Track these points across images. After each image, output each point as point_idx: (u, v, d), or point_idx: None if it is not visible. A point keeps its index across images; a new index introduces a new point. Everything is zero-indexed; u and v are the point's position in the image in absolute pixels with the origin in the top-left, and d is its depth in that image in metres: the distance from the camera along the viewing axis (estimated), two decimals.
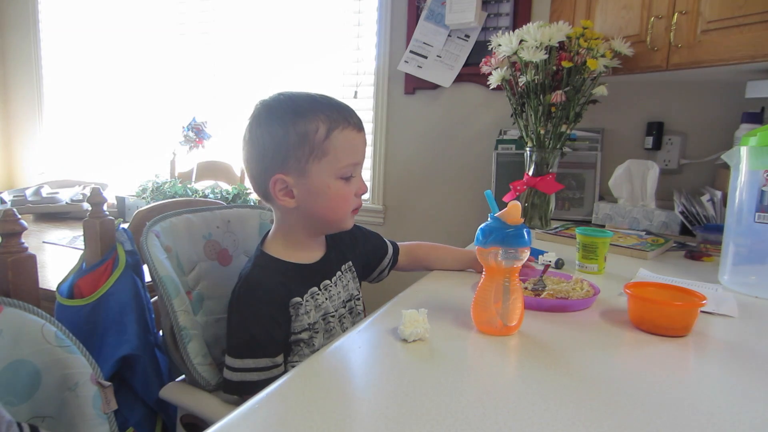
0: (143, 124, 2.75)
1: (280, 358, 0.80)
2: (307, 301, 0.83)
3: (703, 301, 0.72)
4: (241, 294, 0.80)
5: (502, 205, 0.72)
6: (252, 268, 0.83)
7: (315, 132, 0.78)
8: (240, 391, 0.79)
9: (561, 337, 0.69)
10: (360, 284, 0.98)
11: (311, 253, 0.88)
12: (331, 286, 0.88)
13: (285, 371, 0.83)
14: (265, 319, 0.79)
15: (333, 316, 0.86)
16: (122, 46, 2.75)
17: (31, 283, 0.90)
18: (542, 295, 0.81)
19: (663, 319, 0.71)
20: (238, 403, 0.51)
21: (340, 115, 0.80)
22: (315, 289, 0.85)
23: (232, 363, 0.78)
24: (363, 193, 0.86)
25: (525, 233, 0.67)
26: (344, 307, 0.90)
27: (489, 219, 0.70)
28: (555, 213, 1.51)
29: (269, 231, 0.89)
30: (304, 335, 0.82)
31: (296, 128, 0.78)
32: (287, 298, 0.81)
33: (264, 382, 0.77)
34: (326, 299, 0.86)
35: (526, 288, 0.84)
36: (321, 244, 0.91)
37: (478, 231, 0.70)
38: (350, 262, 0.95)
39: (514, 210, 0.68)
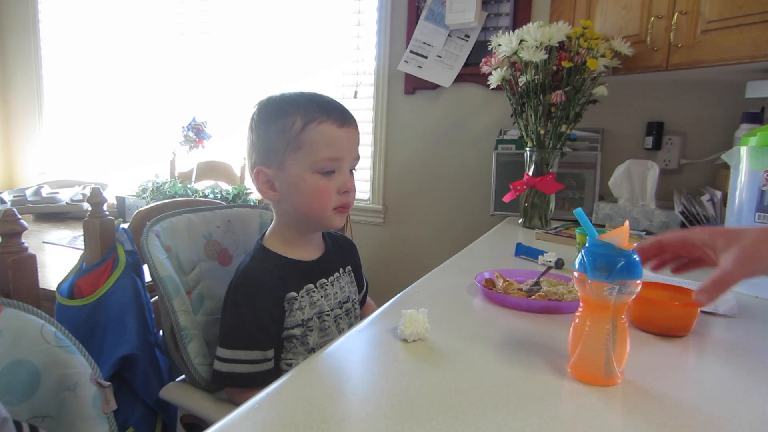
0: (143, 124, 2.75)
1: (270, 353, 0.80)
2: (302, 297, 0.83)
3: None
4: (237, 286, 0.81)
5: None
6: (250, 262, 0.84)
7: (291, 125, 0.80)
8: (227, 382, 0.79)
9: (559, 337, 0.69)
10: (364, 285, 0.99)
11: (308, 251, 0.89)
12: (327, 285, 0.88)
13: (279, 369, 0.83)
14: (260, 312, 0.79)
15: (328, 315, 0.86)
16: (122, 46, 2.75)
17: (31, 283, 0.90)
18: (533, 297, 0.81)
19: (663, 319, 0.71)
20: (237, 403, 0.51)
21: (318, 109, 0.80)
22: (311, 285, 0.85)
23: (223, 354, 0.79)
24: (347, 191, 0.83)
25: (638, 260, 0.54)
26: (341, 308, 0.90)
27: (590, 243, 0.56)
28: (555, 213, 1.51)
29: (270, 226, 0.90)
30: (297, 331, 0.82)
31: (276, 123, 0.81)
32: (283, 293, 0.82)
33: (252, 376, 0.78)
34: (321, 297, 0.86)
35: (520, 289, 0.84)
36: (318, 244, 0.92)
37: (584, 257, 0.55)
38: (350, 267, 0.96)
39: (626, 233, 0.54)
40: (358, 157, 0.86)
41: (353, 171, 0.86)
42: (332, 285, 0.89)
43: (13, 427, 0.54)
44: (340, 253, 0.94)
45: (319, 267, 0.88)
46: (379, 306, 0.80)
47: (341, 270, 0.93)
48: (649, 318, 0.72)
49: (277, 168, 0.82)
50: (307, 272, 0.86)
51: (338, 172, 0.82)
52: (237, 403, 0.83)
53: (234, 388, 0.81)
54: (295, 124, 0.79)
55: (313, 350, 0.83)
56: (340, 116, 0.81)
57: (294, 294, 0.82)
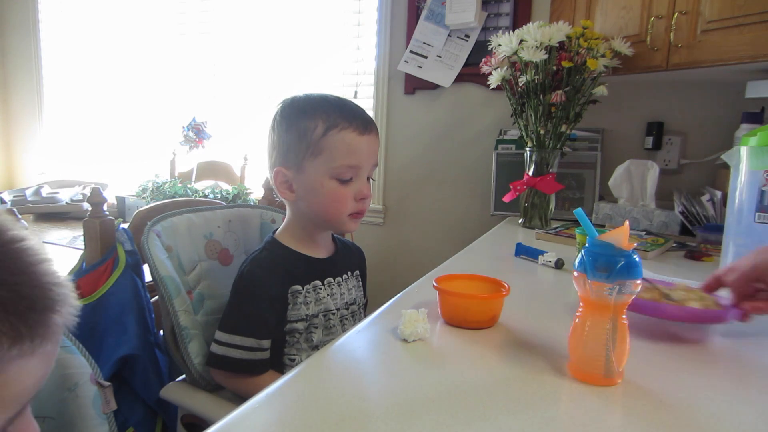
0: (143, 124, 2.74)
1: (266, 343, 0.81)
2: (307, 292, 0.84)
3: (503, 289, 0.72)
4: (244, 273, 0.83)
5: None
6: (260, 252, 0.86)
7: (313, 130, 0.80)
8: (220, 365, 0.81)
9: (559, 337, 0.69)
10: (365, 294, 0.99)
11: (319, 250, 0.90)
12: (334, 285, 0.89)
13: (282, 364, 0.84)
14: (261, 301, 0.81)
15: (334, 314, 0.87)
16: (122, 46, 2.74)
17: None
18: (682, 304, 0.73)
19: (471, 313, 0.70)
20: (238, 403, 0.51)
21: (341, 116, 0.80)
22: (318, 282, 0.86)
23: (220, 337, 0.81)
24: (363, 198, 0.84)
25: (638, 260, 0.54)
26: (347, 309, 0.91)
27: (590, 243, 0.56)
28: (555, 213, 1.51)
29: (283, 223, 0.91)
30: (300, 325, 0.83)
31: (299, 125, 0.81)
32: (288, 285, 0.83)
33: (244, 363, 0.79)
34: (328, 295, 0.87)
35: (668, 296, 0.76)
36: (328, 245, 0.93)
37: (584, 257, 0.55)
38: (358, 272, 0.97)
39: (626, 233, 0.54)
40: (376, 164, 0.86)
41: (371, 178, 0.87)
42: (339, 286, 0.90)
43: None
44: (349, 257, 0.96)
45: (328, 266, 0.89)
46: (378, 307, 0.80)
47: (349, 273, 0.94)
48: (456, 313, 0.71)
49: (296, 170, 0.82)
50: (316, 269, 0.87)
51: (356, 179, 0.83)
52: (225, 387, 0.85)
53: (224, 371, 0.82)
54: (317, 128, 0.80)
55: (316, 348, 0.84)
56: (362, 123, 0.82)
57: (299, 287, 0.84)
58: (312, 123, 0.80)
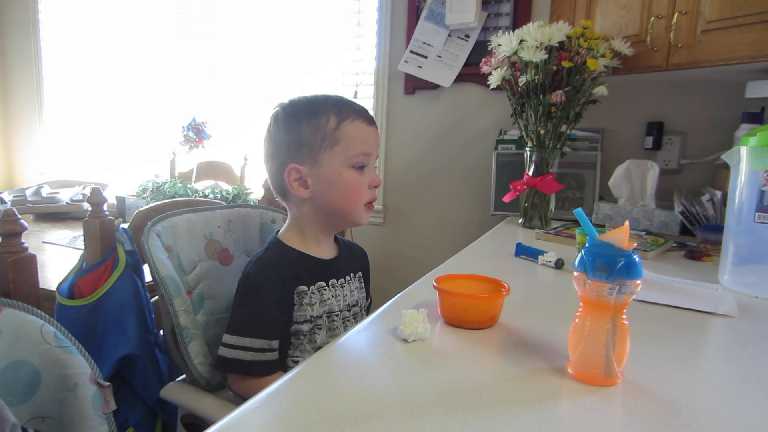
0: (143, 124, 2.75)
1: (275, 343, 0.81)
2: (312, 293, 0.85)
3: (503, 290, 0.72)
4: (250, 274, 0.83)
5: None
6: (265, 252, 0.86)
7: (327, 122, 0.82)
8: (231, 368, 0.81)
9: (559, 337, 0.69)
10: (367, 297, 1.00)
11: (323, 250, 0.90)
12: (338, 286, 0.89)
13: (285, 365, 0.84)
14: (269, 301, 0.81)
15: (338, 316, 0.87)
16: (122, 46, 2.74)
17: (31, 283, 0.90)
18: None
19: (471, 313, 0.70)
20: (238, 403, 0.51)
21: (350, 108, 0.84)
22: (322, 283, 0.87)
23: (229, 340, 0.80)
24: (376, 186, 0.87)
25: (638, 260, 0.54)
26: (349, 311, 0.91)
27: (590, 243, 0.56)
28: (555, 213, 1.51)
29: (286, 223, 0.92)
30: (305, 327, 0.83)
31: (309, 121, 0.82)
32: (294, 285, 0.83)
33: (255, 364, 0.79)
34: (332, 297, 0.87)
35: None
36: (332, 245, 0.93)
37: (584, 257, 0.55)
38: (360, 273, 0.97)
39: (626, 233, 0.54)
40: (378, 156, 0.89)
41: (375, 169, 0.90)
42: (342, 287, 0.90)
43: None
44: (352, 258, 0.96)
45: (332, 267, 0.90)
46: (378, 307, 0.80)
47: (352, 274, 0.94)
48: (456, 313, 0.70)
49: (310, 164, 0.83)
50: (321, 270, 0.87)
51: (368, 167, 0.86)
52: (235, 391, 0.84)
53: (235, 374, 0.82)
54: (330, 121, 0.82)
55: (320, 349, 0.84)
56: (368, 115, 0.86)
57: (305, 288, 0.84)
58: (324, 117, 0.82)
